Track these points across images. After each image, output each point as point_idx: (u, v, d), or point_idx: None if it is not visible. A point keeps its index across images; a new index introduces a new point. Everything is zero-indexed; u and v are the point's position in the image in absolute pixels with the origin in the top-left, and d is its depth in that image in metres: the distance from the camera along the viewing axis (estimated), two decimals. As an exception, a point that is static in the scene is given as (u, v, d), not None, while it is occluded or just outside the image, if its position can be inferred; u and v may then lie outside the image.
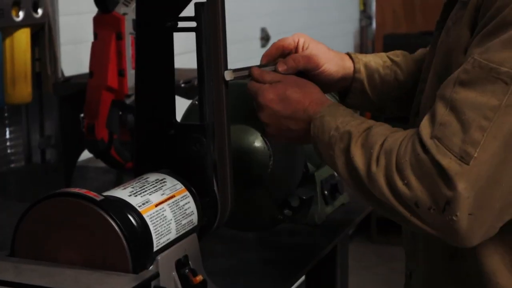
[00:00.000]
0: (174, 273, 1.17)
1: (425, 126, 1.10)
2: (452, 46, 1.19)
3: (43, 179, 2.22)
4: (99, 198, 1.10)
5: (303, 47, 1.43)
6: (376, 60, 1.50)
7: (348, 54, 1.48)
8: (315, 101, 1.28)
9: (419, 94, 1.34)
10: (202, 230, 1.28)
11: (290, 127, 1.29)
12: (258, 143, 1.57)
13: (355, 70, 1.47)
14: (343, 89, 1.48)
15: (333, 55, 1.45)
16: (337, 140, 1.19)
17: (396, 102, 1.48)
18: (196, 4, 1.25)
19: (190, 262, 1.21)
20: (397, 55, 1.52)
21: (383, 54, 1.54)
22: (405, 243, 1.39)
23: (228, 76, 1.29)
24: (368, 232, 4.80)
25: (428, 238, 1.27)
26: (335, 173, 1.79)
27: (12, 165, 2.27)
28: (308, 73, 1.40)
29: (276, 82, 1.31)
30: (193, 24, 1.26)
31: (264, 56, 1.42)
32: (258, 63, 1.43)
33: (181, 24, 1.27)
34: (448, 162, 1.06)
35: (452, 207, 1.05)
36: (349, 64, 1.46)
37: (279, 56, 1.42)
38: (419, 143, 1.09)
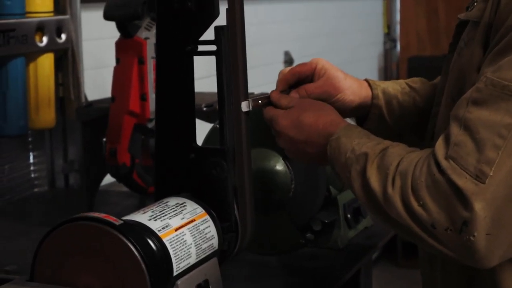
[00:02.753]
0: (195, 298, 1.17)
1: (440, 146, 1.09)
2: (465, 66, 1.18)
3: (66, 204, 2.22)
4: (118, 222, 1.09)
5: (319, 73, 1.42)
6: (394, 87, 1.49)
7: (367, 80, 1.47)
8: (330, 123, 1.27)
9: (433, 117, 1.33)
10: (223, 254, 1.27)
11: (307, 150, 1.28)
12: (279, 166, 1.57)
13: (373, 96, 1.45)
14: (361, 115, 1.47)
15: (350, 83, 1.43)
16: (353, 162, 1.18)
17: (414, 128, 1.47)
18: (216, 28, 1.25)
19: (210, 287, 1.20)
20: (415, 81, 1.51)
21: (401, 81, 1.53)
22: (422, 268, 1.37)
23: (245, 107, 1.30)
24: (394, 256, 4.75)
25: (446, 263, 1.26)
26: (358, 197, 1.78)
27: (36, 190, 2.28)
28: (326, 100, 1.39)
29: (290, 108, 1.32)
30: (213, 47, 1.26)
31: (279, 82, 1.41)
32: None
33: (201, 48, 1.28)
34: (464, 182, 1.04)
35: (470, 228, 1.04)
36: (366, 92, 1.45)
37: (295, 82, 1.41)
38: (434, 163, 1.08)
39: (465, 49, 1.21)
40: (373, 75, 5.13)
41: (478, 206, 1.03)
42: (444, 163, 1.07)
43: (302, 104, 1.33)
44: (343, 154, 1.21)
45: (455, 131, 1.08)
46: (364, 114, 1.46)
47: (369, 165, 1.16)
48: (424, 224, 1.08)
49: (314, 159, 1.30)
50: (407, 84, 1.51)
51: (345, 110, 1.42)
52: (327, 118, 1.29)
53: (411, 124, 1.47)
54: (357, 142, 1.20)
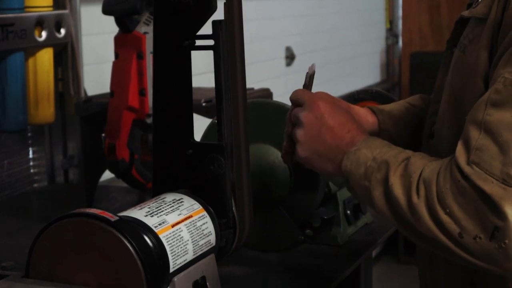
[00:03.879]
0: (191, 295, 1.16)
1: (460, 153, 1.07)
2: (472, 65, 1.16)
3: (65, 199, 2.22)
4: (113, 218, 1.08)
5: None
6: (399, 108, 1.49)
7: (370, 108, 1.47)
8: (353, 129, 1.24)
9: (431, 115, 1.32)
10: (221, 251, 1.26)
11: (326, 140, 1.24)
12: (278, 162, 1.56)
13: (380, 122, 1.45)
14: None
15: (356, 112, 1.43)
16: (375, 170, 1.16)
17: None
18: (213, 22, 1.24)
19: (207, 284, 1.19)
20: (416, 99, 1.51)
21: (401, 101, 1.52)
22: (421, 270, 1.36)
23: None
24: (395, 252, 4.75)
25: (449, 265, 1.24)
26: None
27: (35, 185, 2.28)
28: None
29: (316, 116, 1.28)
30: (210, 42, 1.25)
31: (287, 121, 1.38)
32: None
33: (198, 42, 1.26)
34: (491, 187, 1.02)
35: (501, 234, 1.01)
36: (372, 119, 1.45)
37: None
38: (457, 170, 1.06)
39: (470, 47, 1.19)
40: (375, 71, 5.12)
41: (509, 211, 1.01)
42: (467, 169, 1.05)
43: (344, 104, 1.31)
44: (363, 164, 1.18)
45: (475, 135, 1.06)
46: None
47: (392, 172, 1.13)
48: (451, 234, 1.06)
49: (324, 155, 1.25)
50: (409, 103, 1.50)
51: None
52: (354, 125, 1.26)
53: (420, 140, 1.45)
54: (379, 151, 1.18)
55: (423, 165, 1.11)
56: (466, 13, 1.23)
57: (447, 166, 1.08)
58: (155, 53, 1.30)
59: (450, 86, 1.24)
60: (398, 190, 1.12)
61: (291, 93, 1.36)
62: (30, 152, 2.26)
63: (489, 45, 1.13)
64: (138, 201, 2.03)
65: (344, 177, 1.22)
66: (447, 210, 1.05)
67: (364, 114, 1.45)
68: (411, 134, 1.45)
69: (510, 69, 1.06)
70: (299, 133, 1.27)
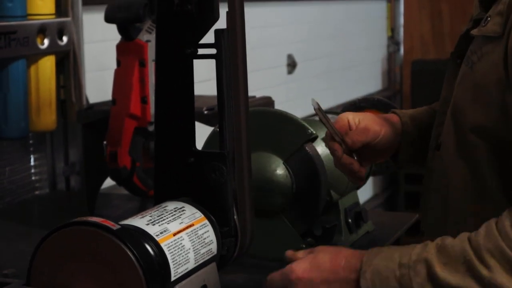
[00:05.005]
0: (193, 304, 1.16)
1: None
2: (481, 82, 1.16)
3: (67, 207, 2.22)
4: (115, 227, 1.08)
5: (354, 123, 1.40)
6: (420, 111, 1.49)
7: (393, 111, 1.47)
8: (350, 255, 1.19)
9: (438, 126, 1.32)
10: (222, 259, 1.26)
11: None
12: (280, 170, 1.56)
13: (403, 124, 1.45)
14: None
15: (383, 119, 1.43)
16: (412, 276, 1.10)
17: None
18: (216, 31, 1.25)
19: (209, 293, 1.19)
20: (437, 105, 1.51)
21: (424, 107, 1.52)
22: None
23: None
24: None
25: None
26: (359, 201, 1.77)
27: (37, 192, 2.28)
28: (369, 144, 1.38)
29: (305, 256, 1.23)
30: (213, 51, 1.25)
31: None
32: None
33: (201, 51, 1.27)
34: None
35: None
36: (396, 119, 1.45)
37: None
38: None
39: (479, 64, 1.18)
40: (377, 78, 5.12)
41: None
42: None
43: (318, 249, 1.24)
44: (390, 277, 1.12)
45: None
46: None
47: (436, 266, 1.09)
48: None
49: None
50: (430, 107, 1.50)
51: (390, 144, 1.42)
52: (346, 252, 1.20)
53: None
54: (398, 256, 1.13)
55: (463, 239, 1.09)
56: (475, 31, 1.21)
57: (509, 221, 1.06)
58: (157, 61, 1.30)
59: (455, 99, 1.23)
60: (454, 278, 1.08)
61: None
62: (32, 159, 2.26)
63: (504, 61, 1.12)
64: (139, 209, 2.03)
65: None
66: None
67: (390, 119, 1.45)
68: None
69: None
70: None
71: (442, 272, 1.08)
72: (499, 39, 1.14)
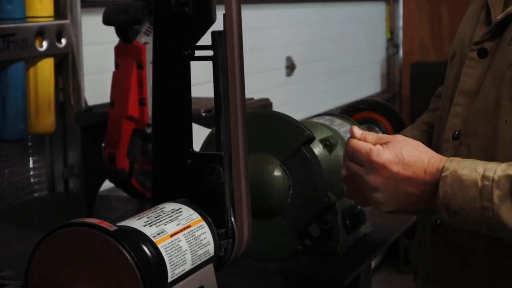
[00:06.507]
0: (190, 305, 1.16)
1: None
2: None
3: (66, 209, 2.22)
4: (112, 228, 1.08)
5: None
6: (414, 133, 1.50)
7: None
8: (434, 158, 1.22)
9: (454, 117, 1.34)
10: (219, 260, 1.26)
11: (407, 189, 1.22)
12: (277, 172, 1.57)
13: None
14: None
15: None
16: (493, 188, 1.15)
17: None
18: (212, 33, 1.25)
19: (206, 293, 1.19)
20: (428, 116, 1.56)
21: (418, 124, 1.56)
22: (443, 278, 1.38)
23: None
24: (396, 262, 4.75)
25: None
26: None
27: (35, 194, 2.28)
28: None
29: (387, 143, 1.24)
30: (210, 53, 1.26)
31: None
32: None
33: (198, 53, 1.27)
34: None
35: None
36: None
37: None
38: None
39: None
40: (376, 81, 5.13)
41: None
42: None
43: (398, 138, 1.26)
44: (471, 186, 1.17)
45: None
46: None
47: None
48: None
49: (410, 202, 1.23)
50: (423, 123, 1.53)
51: None
52: (430, 153, 1.24)
53: None
54: (482, 169, 1.18)
55: None
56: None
57: None
58: (155, 63, 1.30)
59: (510, 81, 1.25)
60: None
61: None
62: (31, 162, 2.26)
63: None
64: (138, 210, 2.02)
65: (439, 207, 1.20)
66: None
67: None
68: None
69: None
70: (378, 196, 1.24)
71: None
72: None
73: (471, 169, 1.18)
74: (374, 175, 1.23)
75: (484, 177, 1.16)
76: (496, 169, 1.17)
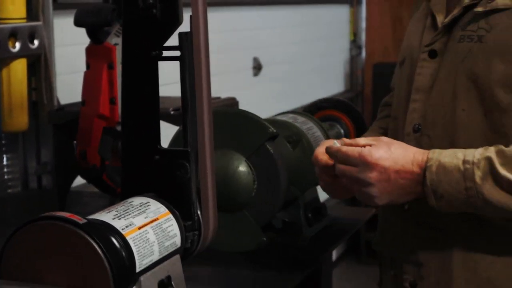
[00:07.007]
0: (157, 294, 1.17)
1: None
2: (500, 44, 1.30)
3: (39, 205, 2.21)
4: (82, 221, 1.09)
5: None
6: (373, 135, 1.57)
7: None
8: (417, 151, 1.32)
9: (412, 113, 1.40)
10: (186, 251, 1.27)
11: (399, 182, 1.30)
12: (242, 167, 1.58)
13: None
14: None
15: None
16: (474, 170, 1.25)
17: None
18: (180, 34, 1.26)
19: (173, 283, 1.19)
20: (386, 122, 1.61)
21: (375, 127, 1.65)
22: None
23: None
24: (358, 254, 4.78)
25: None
26: (319, 196, 1.79)
27: (9, 191, 2.27)
28: None
29: (374, 144, 1.33)
30: (177, 53, 1.26)
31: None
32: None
33: (166, 53, 1.27)
34: None
35: None
36: None
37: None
38: None
39: (490, 34, 1.31)
40: (340, 81, 5.15)
41: None
42: None
43: (383, 139, 1.35)
44: (455, 170, 1.26)
45: None
46: None
47: (498, 164, 1.24)
48: None
49: (402, 193, 1.32)
50: (379, 127, 1.63)
51: None
52: (413, 148, 1.33)
53: None
54: (462, 155, 1.27)
55: None
56: (480, 9, 1.34)
57: None
58: (124, 63, 1.30)
59: (464, 75, 1.34)
60: None
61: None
62: (5, 159, 2.25)
63: None
64: (109, 205, 2.02)
65: (427, 193, 1.29)
66: None
67: None
68: None
69: None
70: (372, 190, 1.31)
71: (502, 169, 1.23)
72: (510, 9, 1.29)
73: (452, 156, 1.27)
74: (368, 172, 1.30)
75: (465, 162, 1.26)
76: (474, 154, 1.26)
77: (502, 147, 1.26)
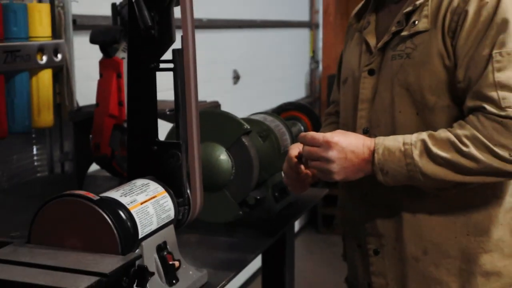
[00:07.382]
0: (155, 255, 1.17)
1: (490, 106, 1.20)
2: (425, 58, 1.30)
3: (62, 186, 2.20)
4: (95, 198, 1.09)
5: None
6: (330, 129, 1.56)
7: None
8: (366, 138, 1.32)
9: (361, 118, 1.41)
10: (178, 222, 1.27)
11: (353, 161, 1.30)
12: (223, 156, 1.58)
13: None
14: None
15: None
16: (412, 149, 1.26)
17: None
18: (173, 50, 1.26)
19: (168, 247, 1.20)
20: (332, 119, 1.65)
21: (331, 124, 1.66)
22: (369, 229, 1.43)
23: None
24: (316, 225, 4.80)
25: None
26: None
27: (38, 175, 2.25)
28: None
29: (337, 131, 1.34)
30: (171, 65, 1.27)
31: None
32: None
33: (162, 65, 1.27)
34: None
35: None
36: None
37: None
38: (495, 116, 1.19)
39: (417, 51, 1.32)
40: (301, 89, 5.16)
41: None
42: (504, 112, 1.19)
43: (339, 130, 1.36)
44: (397, 150, 1.27)
45: (494, 93, 1.20)
46: None
47: (430, 144, 1.24)
48: (504, 157, 1.19)
49: (357, 167, 1.31)
50: (335, 123, 1.62)
51: None
52: (362, 136, 1.34)
53: None
54: (402, 139, 1.28)
55: (445, 131, 1.25)
56: (405, 33, 1.35)
57: (477, 118, 1.21)
58: (129, 73, 1.30)
59: (399, 85, 1.34)
60: (443, 151, 1.23)
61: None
62: (34, 149, 2.23)
63: (442, 41, 1.28)
64: (117, 186, 2.02)
65: (375, 171, 1.29)
66: (497, 143, 1.19)
67: None
68: None
69: (497, 45, 1.21)
70: (332, 166, 1.30)
71: (434, 147, 1.24)
72: (430, 31, 1.31)
73: (394, 140, 1.28)
74: (330, 151, 1.30)
75: (404, 143, 1.27)
76: (411, 137, 1.27)
77: (432, 131, 1.27)
